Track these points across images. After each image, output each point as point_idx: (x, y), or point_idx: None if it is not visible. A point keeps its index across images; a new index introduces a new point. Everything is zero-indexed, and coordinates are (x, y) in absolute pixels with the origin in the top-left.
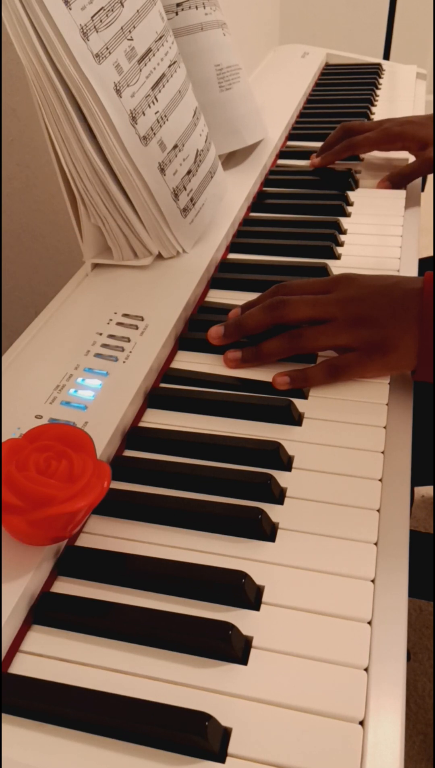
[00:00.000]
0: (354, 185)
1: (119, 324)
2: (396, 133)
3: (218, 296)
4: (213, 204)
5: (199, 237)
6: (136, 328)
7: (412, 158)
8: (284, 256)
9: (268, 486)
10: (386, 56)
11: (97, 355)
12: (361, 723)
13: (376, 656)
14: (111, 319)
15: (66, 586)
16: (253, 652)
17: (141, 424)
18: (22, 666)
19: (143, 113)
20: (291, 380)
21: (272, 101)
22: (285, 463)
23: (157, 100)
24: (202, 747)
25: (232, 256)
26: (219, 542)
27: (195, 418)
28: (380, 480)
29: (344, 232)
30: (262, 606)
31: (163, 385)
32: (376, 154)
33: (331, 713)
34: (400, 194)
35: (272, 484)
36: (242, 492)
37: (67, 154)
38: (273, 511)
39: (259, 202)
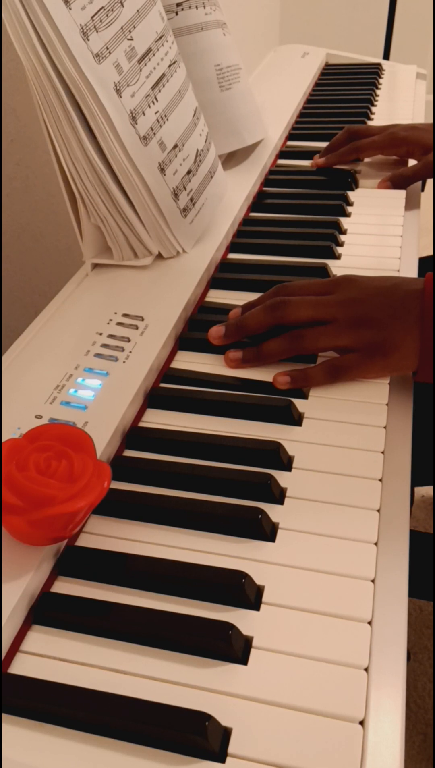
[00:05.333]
0: (354, 185)
1: (119, 324)
2: (401, 138)
3: (218, 296)
4: (213, 204)
5: (199, 237)
6: (136, 328)
7: (413, 161)
8: (284, 256)
9: (269, 486)
10: (386, 56)
11: (97, 355)
12: (361, 723)
13: (376, 656)
14: (111, 319)
15: (66, 586)
16: (253, 652)
17: (141, 424)
18: (22, 666)
19: (143, 113)
20: (292, 380)
21: (272, 101)
22: (285, 463)
23: (157, 100)
24: (202, 747)
25: (232, 256)
26: (219, 542)
27: (195, 418)
28: (380, 480)
29: (344, 232)
30: (262, 606)
31: (163, 385)
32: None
33: (331, 713)
34: (400, 194)
35: (272, 484)
36: (242, 492)
37: (67, 154)
38: (273, 511)
39: (259, 202)
